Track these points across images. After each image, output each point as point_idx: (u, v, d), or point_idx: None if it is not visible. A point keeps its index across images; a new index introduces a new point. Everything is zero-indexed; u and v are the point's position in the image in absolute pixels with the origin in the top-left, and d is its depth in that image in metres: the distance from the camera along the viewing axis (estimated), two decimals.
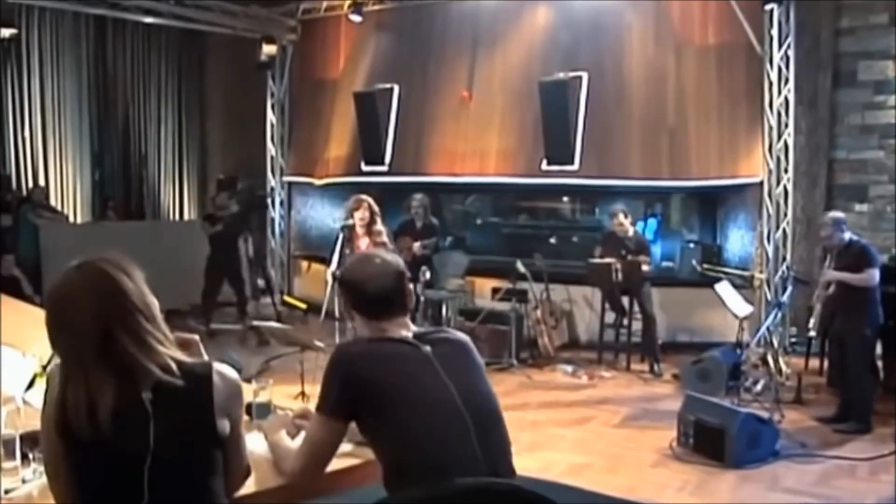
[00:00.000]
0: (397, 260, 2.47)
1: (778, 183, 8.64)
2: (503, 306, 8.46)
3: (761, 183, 8.79)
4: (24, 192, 11.02)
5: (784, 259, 8.69)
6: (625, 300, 8.27)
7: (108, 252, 1.95)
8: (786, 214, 8.66)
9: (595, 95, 9.23)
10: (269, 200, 12.00)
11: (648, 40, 9.32)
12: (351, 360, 2.27)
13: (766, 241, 8.80)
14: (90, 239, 10.51)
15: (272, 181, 12.11)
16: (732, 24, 8.69)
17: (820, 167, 8.79)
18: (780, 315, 6.20)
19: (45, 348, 3.61)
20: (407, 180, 10.44)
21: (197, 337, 2.09)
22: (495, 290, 9.21)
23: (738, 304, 7.13)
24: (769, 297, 8.56)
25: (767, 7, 8.18)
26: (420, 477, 2.09)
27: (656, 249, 9.64)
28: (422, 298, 7.98)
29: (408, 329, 2.39)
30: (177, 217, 12.95)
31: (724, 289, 7.15)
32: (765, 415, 5.95)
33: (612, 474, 5.37)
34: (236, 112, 12.27)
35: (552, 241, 11.31)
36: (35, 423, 2.65)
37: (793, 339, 8.56)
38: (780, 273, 8.68)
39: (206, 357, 2.05)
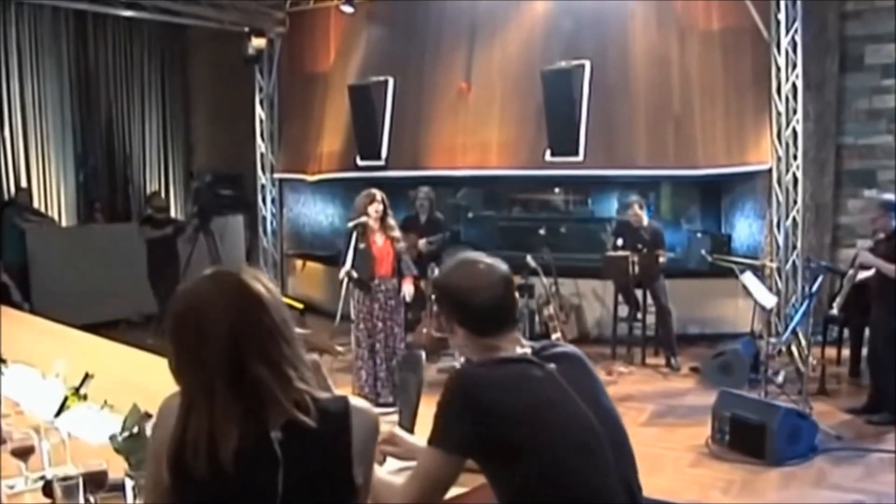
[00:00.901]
0: (501, 263, 2.19)
1: (787, 170, 8.53)
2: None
3: (770, 170, 8.68)
4: (7, 196, 10.62)
5: (795, 247, 8.59)
6: (637, 293, 8.11)
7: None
8: (795, 202, 8.54)
9: (598, 84, 9.04)
10: (234, 197, 11.59)
11: (651, 26, 9.14)
12: (477, 387, 1.98)
13: (776, 230, 8.69)
14: (79, 243, 10.21)
15: (262, 178, 11.81)
16: (737, 9, 8.54)
17: (828, 153, 8.68)
18: (810, 306, 6.05)
19: (64, 366, 3.40)
20: (405, 174, 10.20)
21: (317, 357, 1.86)
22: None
23: (764, 295, 6.99)
24: (780, 286, 8.46)
25: None
26: None
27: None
28: (433, 297, 7.75)
29: (521, 344, 2.12)
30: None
31: (749, 279, 7.01)
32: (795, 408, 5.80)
33: (651, 476, 5.17)
34: (223, 108, 11.94)
35: (541, 232, 11.14)
36: (85, 458, 2.42)
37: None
38: (790, 261, 8.58)
39: (329, 381, 1.82)
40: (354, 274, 6.44)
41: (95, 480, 2.18)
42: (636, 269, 7.56)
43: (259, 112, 11.69)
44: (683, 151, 8.98)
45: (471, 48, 10.04)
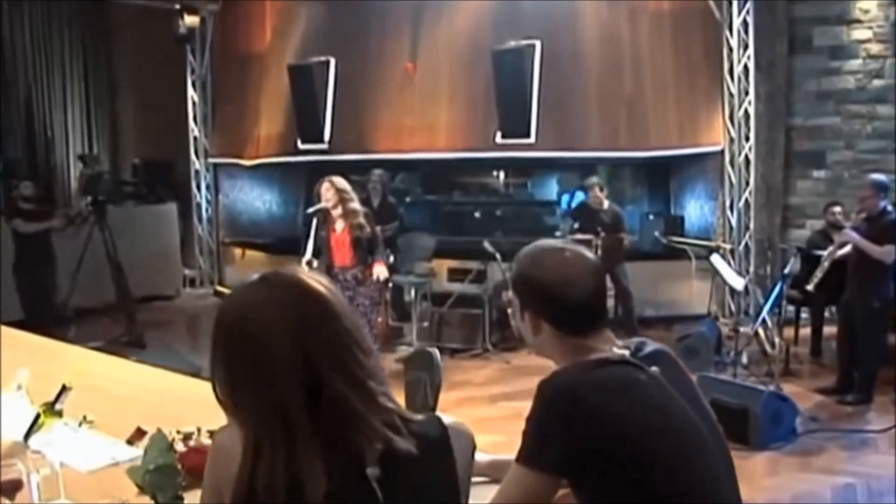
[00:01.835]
0: (588, 252, 1.90)
1: (740, 151, 8.55)
2: (473, 289, 8.06)
3: (722, 151, 8.69)
4: None
5: (747, 228, 8.63)
6: None
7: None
8: (748, 183, 8.58)
9: (549, 64, 8.84)
10: (137, 186, 10.93)
11: (602, 5, 9.01)
12: (581, 395, 1.69)
13: (728, 211, 8.71)
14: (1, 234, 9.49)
15: (196, 164, 11.28)
16: None
17: (778, 134, 8.72)
18: (784, 287, 6.02)
19: (27, 377, 3.00)
20: (350, 158, 9.87)
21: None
22: (453, 272, 8.81)
23: (733, 277, 6.95)
24: (734, 267, 8.47)
25: None
26: None
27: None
28: (390, 285, 7.47)
29: (615, 344, 1.83)
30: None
31: (718, 261, 6.95)
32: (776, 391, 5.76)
33: None
34: (152, 91, 11.31)
35: (476, 215, 10.98)
36: (84, 492, 2.09)
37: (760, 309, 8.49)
38: (744, 242, 8.61)
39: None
40: (315, 263, 6.12)
41: None
42: (599, 252, 7.42)
43: (191, 94, 11.16)
44: (636, 133, 8.91)
45: (416, 27, 9.74)
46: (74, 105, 11.54)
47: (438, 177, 11.53)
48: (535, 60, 8.86)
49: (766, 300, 6.35)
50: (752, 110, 8.43)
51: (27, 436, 2.57)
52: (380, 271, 6.24)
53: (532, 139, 8.89)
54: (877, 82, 8.37)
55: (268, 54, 10.79)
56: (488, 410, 6.13)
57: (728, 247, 8.45)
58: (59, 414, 2.64)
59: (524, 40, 8.84)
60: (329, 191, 6.11)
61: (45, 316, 7.68)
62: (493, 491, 1.75)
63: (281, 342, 1.29)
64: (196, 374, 5.25)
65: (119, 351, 5.45)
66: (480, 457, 1.96)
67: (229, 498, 1.29)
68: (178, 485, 1.67)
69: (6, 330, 3.91)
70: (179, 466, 1.65)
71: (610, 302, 7.88)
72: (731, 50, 8.45)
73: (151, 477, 1.73)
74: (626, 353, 1.81)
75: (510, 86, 8.81)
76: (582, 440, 1.66)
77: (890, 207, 6.03)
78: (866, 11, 8.37)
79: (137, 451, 2.43)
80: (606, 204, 7.88)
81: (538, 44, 8.84)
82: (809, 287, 6.08)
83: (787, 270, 6.07)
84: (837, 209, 7.61)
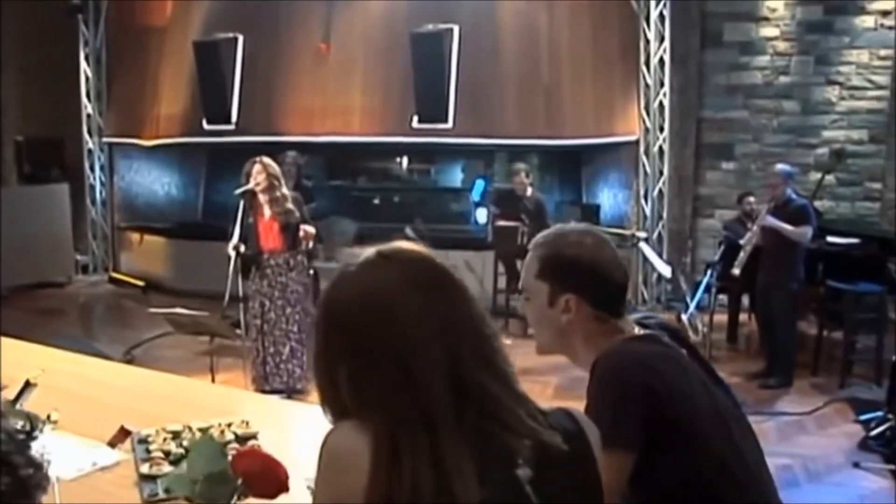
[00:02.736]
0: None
1: (654, 142, 8.69)
2: None
3: (637, 141, 8.82)
4: None
5: (661, 217, 8.80)
6: (518, 264, 7.97)
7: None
8: (662, 173, 8.74)
9: (467, 50, 8.76)
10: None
11: None
12: (650, 366, 1.66)
13: (643, 200, 8.85)
14: None
15: (90, 143, 10.61)
16: None
17: (690, 126, 8.92)
18: (714, 274, 6.14)
19: None
20: (258, 140, 9.47)
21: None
22: None
23: (661, 265, 7.04)
24: (647, 256, 8.62)
25: None
26: None
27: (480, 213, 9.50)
28: (310, 272, 7.20)
29: (633, 326, 1.82)
30: None
31: (647, 249, 7.04)
32: None
33: None
34: (40, 64, 10.52)
35: (375, 202, 10.84)
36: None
37: (671, 298, 8.69)
38: (657, 231, 8.78)
39: None
40: (242, 248, 5.82)
41: None
42: (526, 239, 7.40)
43: (84, 68, 10.46)
44: (553, 121, 8.94)
45: (330, 6, 9.45)
46: None
47: (342, 162, 11.26)
48: (453, 45, 8.77)
49: (696, 287, 6.46)
50: (666, 102, 8.58)
51: None
52: (307, 228, 5.93)
53: (450, 125, 8.79)
54: (783, 78, 8.68)
55: (168, 28, 10.25)
56: None
57: (643, 235, 8.58)
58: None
59: (442, 24, 8.73)
60: (260, 174, 5.80)
61: None
62: None
63: (423, 329, 1.13)
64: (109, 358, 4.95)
65: None
66: None
67: None
68: (234, 493, 1.46)
69: None
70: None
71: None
72: (647, 42, 8.57)
73: (203, 488, 1.50)
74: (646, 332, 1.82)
75: (428, 70, 8.67)
76: (655, 415, 1.63)
77: (795, 195, 6.28)
78: (774, 10, 8.66)
79: (121, 454, 2.18)
80: (530, 191, 7.86)
81: (456, 28, 8.74)
82: (735, 271, 6.21)
83: (716, 258, 6.18)
84: (752, 199, 7.84)
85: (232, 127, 9.57)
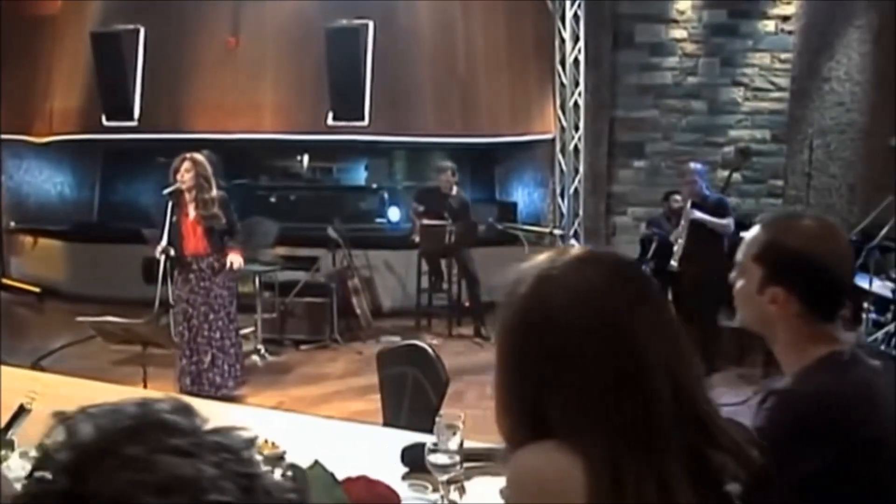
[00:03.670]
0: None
1: (570, 140, 8.81)
2: (319, 277, 7.71)
3: (553, 140, 8.92)
4: None
5: (577, 215, 8.92)
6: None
7: None
8: (577, 171, 8.86)
9: (382, 46, 8.65)
10: None
11: None
12: (837, 405, 1.54)
13: (559, 198, 8.96)
14: None
15: None
16: None
17: (603, 125, 9.08)
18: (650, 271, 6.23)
19: None
20: (164, 137, 9.09)
21: None
22: (286, 259, 8.38)
23: None
24: None
25: None
26: None
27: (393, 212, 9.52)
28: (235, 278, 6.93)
29: (841, 332, 1.70)
30: None
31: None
32: None
33: None
34: None
35: (272, 199, 10.58)
36: None
37: None
38: (574, 228, 8.90)
39: None
40: (171, 251, 5.54)
41: None
42: (453, 237, 7.36)
43: None
44: (469, 119, 8.96)
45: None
46: None
47: (242, 161, 10.92)
48: (368, 41, 8.63)
49: None
50: (581, 101, 8.71)
51: None
52: (234, 259, 5.76)
53: (366, 122, 8.66)
54: (691, 79, 8.95)
55: (61, 18, 9.66)
56: (362, 404, 5.84)
57: (559, 233, 8.69)
58: (11, 445, 2.11)
59: (357, 20, 8.58)
60: (188, 171, 5.53)
61: None
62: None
63: (650, 340, 1.04)
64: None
65: None
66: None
67: None
68: None
69: None
70: None
71: (453, 288, 7.96)
72: (562, 42, 8.67)
73: None
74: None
75: (343, 66, 8.51)
76: (838, 456, 1.51)
77: (709, 191, 6.51)
78: (682, 12, 8.91)
79: None
80: (455, 190, 7.82)
81: (371, 24, 8.61)
82: (673, 263, 6.36)
83: (649, 255, 6.31)
84: (678, 197, 8.04)
85: (134, 123, 9.11)
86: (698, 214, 6.22)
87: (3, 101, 9.89)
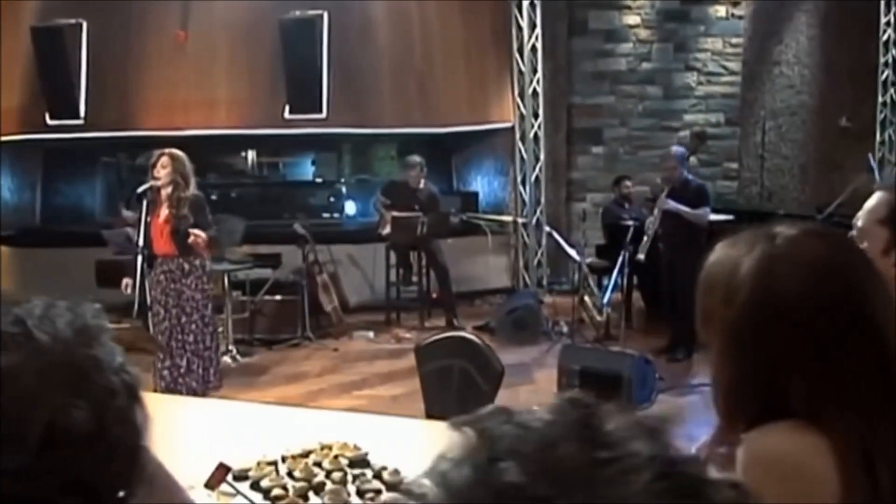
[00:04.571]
0: None
1: (530, 128, 8.82)
2: (281, 274, 7.54)
3: (513, 128, 8.91)
4: None
5: (539, 202, 8.94)
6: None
7: None
8: (538, 158, 8.87)
9: (338, 37, 8.52)
10: None
11: None
12: None
13: (521, 186, 8.97)
14: None
15: None
16: None
17: (561, 112, 9.13)
18: (626, 258, 6.28)
19: None
20: (112, 135, 8.81)
21: None
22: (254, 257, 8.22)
23: (570, 249, 7.15)
24: (527, 241, 8.77)
25: None
26: None
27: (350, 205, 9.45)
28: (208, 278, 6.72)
29: None
30: None
31: (556, 236, 7.12)
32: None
33: None
34: None
35: (234, 194, 10.39)
36: None
37: (551, 281, 8.88)
38: (535, 216, 8.92)
39: None
40: (130, 287, 5.34)
41: None
42: (425, 229, 7.29)
43: None
44: (428, 109, 8.89)
45: None
46: None
47: (194, 159, 10.61)
48: (323, 32, 8.49)
49: (613, 271, 6.60)
50: (540, 88, 8.72)
51: None
52: (196, 232, 5.39)
53: (324, 114, 8.52)
54: (645, 65, 9.07)
55: None
56: (350, 401, 5.77)
57: (523, 221, 8.71)
58: None
59: (311, 10, 8.43)
60: (165, 167, 5.30)
61: None
62: None
63: (885, 314, 1.02)
64: None
65: None
66: None
67: None
68: None
69: None
70: None
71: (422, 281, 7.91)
72: (520, 29, 8.66)
73: None
74: None
75: (299, 57, 8.36)
76: None
77: (691, 176, 6.56)
78: None
79: (215, 499, 1.89)
80: (423, 183, 7.75)
81: (325, 14, 8.46)
82: (640, 256, 6.38)
83: (627, 240, 6.33)
84: (629, 182, 8.15)
85: (80, 122, 8.78)
86: (672, 204, 6.23)
87: None
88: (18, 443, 0.73)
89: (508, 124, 8.89)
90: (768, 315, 1.06)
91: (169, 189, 5.39)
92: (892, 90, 8.00)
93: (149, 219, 5.40)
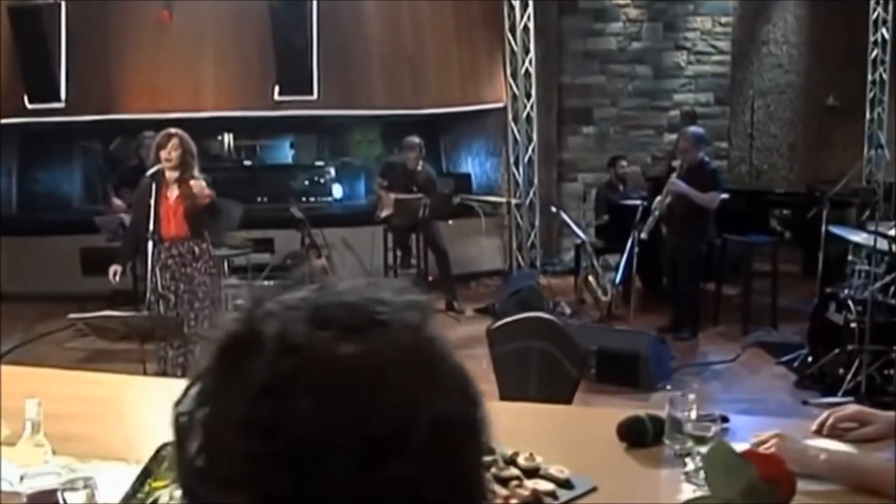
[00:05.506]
0: None
1: (523, 109, 8.76)
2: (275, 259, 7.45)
3: (505, 108, 8.85)
4: None
5: (532, 183, 8.90)
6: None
7: None
8: (531, 139, 8.83)
9: (328, 18, 8.39)
10: None
11: None
12: None
13: (514, 167, 8.92)
14: None
15: None
16: None
17: (552, 92, 9.08)
18: (637, 238, 6.27)
19: (39, 411, 2.09)
20: (94, 119, 8.58)
21: None
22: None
23: (579, 231, 7.16)
24: (520, 222, 8.74)
25: None
26: None
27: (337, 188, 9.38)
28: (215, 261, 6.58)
29: None
30: None
31: (564, 216, 7.10)
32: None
33: None
34: None
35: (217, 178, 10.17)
36: None
37: (545, 262, 8.87)
38: (529, 198, 8.89)
39: None
40: (118, 274, 5.23)
41: None
42: (427, 211, 7.22)
43: None
44: (419, 90, 8.80)
45: None
46: None
47: None
48: (313, 12, 8.35)
49: (615, 251, 6.61)
50: (532, 69, 8.66)
51: None
52: (199, 183, 5.27)
53: (315, 96, 8.40)
54: (635, 44, 9.05)
55: None
56: None
57: (517, 202, 8.67)
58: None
59: None
60: (175, 149, 5.16)
61: None
62: None
63: None
64: None
65: None
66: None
67: None
68: None
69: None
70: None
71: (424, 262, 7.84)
72: (511, 8, 8.58)
73: None
74: None
75: (289, 38, 8.22)
76: None
77: (707, 158, 6.56)
78: None
79: None
80: (421, 165, 7.66)
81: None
82: (643, 236, 6.38)
83: (637, 219, 6.33)
84: (624, 163, 8.15)
85: (61, 105, 8.53)
86: (681, 186, 6.22)
87: None
88: (404, 446, 0.66)
89: (500, 104, 8.82)
90: None
91: (178, 171, 5.27)
92: (881, 68, 8.08)
93: (155, 199, 5.26)
